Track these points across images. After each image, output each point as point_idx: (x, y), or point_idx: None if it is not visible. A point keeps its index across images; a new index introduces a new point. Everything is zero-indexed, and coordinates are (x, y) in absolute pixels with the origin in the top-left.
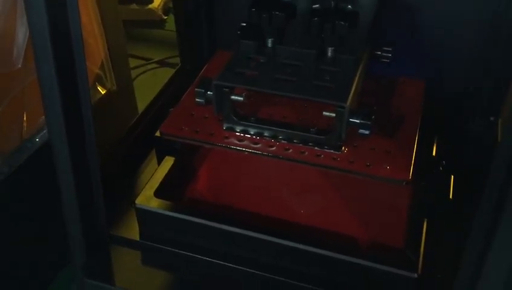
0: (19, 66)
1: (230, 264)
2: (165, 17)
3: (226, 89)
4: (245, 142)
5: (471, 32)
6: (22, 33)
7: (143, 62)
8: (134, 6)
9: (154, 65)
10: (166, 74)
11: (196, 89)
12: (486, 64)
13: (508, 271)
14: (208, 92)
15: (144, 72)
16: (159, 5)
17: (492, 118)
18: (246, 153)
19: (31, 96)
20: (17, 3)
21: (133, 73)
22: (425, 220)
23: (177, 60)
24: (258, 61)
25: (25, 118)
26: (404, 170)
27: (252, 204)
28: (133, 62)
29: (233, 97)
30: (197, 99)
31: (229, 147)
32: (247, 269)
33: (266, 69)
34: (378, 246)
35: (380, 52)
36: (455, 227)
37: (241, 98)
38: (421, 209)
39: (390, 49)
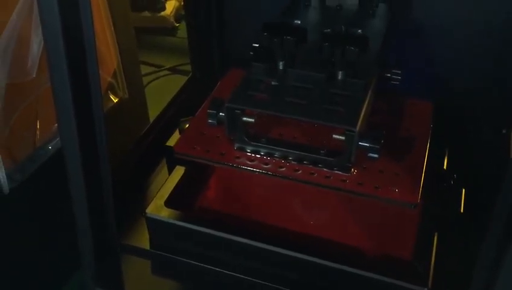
0: (33, 76)
1: (240, 275)
2: (177, 25)
3: (238, 111)
4: (255, 163)
5: (482, 43)
6: (36, 43)
7: (155, 69)
8: (146, 13)
9: (166, 72)
10: (179, 80)
11: (208, 111)
12: (498, 75)
13: None
14: (220, 114)
15: (156, 78)
16: (171, 12)
17: (504, 131)
18: (257, 173)
19: (45, 105)
20: (32, 13)
21: (145, 80)
22: (436, 233)
23: (189, 67)
24: (269, 83)
25: (38, 126)
26: (412, 193)
27: (262, 215)
28: (145, 69)
29: (244, 119)
30: (209, 120)
31: (239, 167)
32: (257, 280)
33: (277, 91)
34: (388, 259)
35: (389, 75)
36: (466, 240)
37: (252, 120)
38: (431, 222)
39: (400, 71)
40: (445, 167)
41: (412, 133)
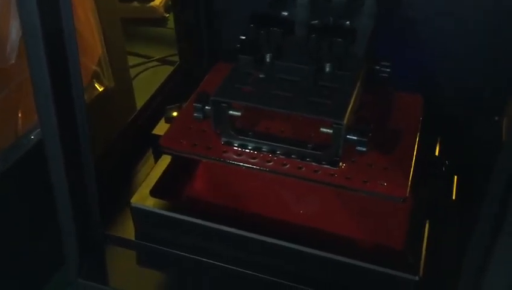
0: (13, 61)
1: (227, 265)
2: (167, 15)
3: (224, 104)
4: (243, 157)
5: (474, 29)
6: (15, 28)
7: (144, 60)
8: (135, 4)
9: (155, 63)
10: (168, 72)
11: (194, 104)
12: (490, 61)
13: None
14: (206, 107)
15: (145, 70)
16: (160, 3)
17: (496, 118)
18: (244, 168)
19: (26, 93)
20: None
21: (134, 71)
22: (428, 221)
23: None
24: (256, 76)
25: (19, 115)
26: (401, 187)
27: (250, 204)
28: (134, 60)
29: (231, 112)
30: (195, 114)
31: (226, 162)
32: (244, 270)
33: (264, 84)
34: (379, 248)
35: (378, 67)
36: (458, 228)
37: (239, 113)
38: (423, 210)
39: (389, 64)
40: (437, 154)
41: (401, 126)
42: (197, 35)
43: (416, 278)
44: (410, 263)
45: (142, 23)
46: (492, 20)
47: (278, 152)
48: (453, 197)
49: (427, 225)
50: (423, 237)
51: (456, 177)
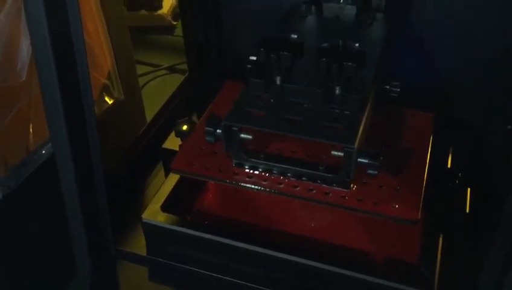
0: (23, 78)
1: (238, 280)
2: (175, 23)
3: (235, 128)
4: (254, 179)
5: (484, 40)
6: (25, 45)
7: (152, 69)
8: (143, 12)
9: (164, 71)
10: (176, 80)
11: (206, 128)
12: (502, 71)
13: None
14: (217, 131)
15: (154, 78)
16: (168, 11)
17: (509, 127)
18: (255, 190)
19: (37, 109)
20: (21, 15)
21: (143, 80)
22: (442, 235)
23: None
24: (266, 99)
25: (31, 130)
26: (412, 210)
27: (261, 219)
28: (142, 69)
29: (242, 136)
30: (206, 138)
31: (238, 185)
32: (256, 286)
33: (274, 108)
34: (392, 263)
35: (388, 87)
36: (472, 242)
37: (250, 137)
38: (437, 224)
39: (399, 83)
40: (449, 166)
41: (411, 146)
42: (206, 45)
43: None
44: (425, 278)
45: (149, 31)
46: (504, 30)
47: (289, 174)
48: (467, 210)
49: (441, 239)
50: (437, 251)
51: (469, 189)
